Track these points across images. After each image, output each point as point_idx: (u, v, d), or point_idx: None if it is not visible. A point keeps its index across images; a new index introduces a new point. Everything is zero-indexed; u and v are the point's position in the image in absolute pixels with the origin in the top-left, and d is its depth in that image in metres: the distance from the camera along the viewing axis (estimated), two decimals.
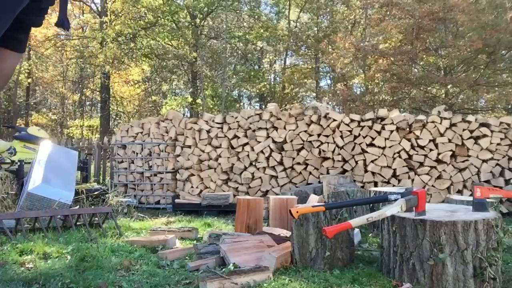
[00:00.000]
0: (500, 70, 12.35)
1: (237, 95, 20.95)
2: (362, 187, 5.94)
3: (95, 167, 8.45)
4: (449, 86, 11.79)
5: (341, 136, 6.19)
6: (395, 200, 2.77)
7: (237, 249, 3.04)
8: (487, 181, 5.85)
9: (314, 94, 19.62)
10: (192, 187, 6.83)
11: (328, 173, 6.16)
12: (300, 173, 6.37)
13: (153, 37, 15.33)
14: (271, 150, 6.48)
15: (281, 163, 6.46)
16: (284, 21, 19.19)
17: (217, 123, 6.76)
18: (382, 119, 6.14)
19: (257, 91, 18.52)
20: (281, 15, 19.93)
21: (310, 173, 6.32)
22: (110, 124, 18.33)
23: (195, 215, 5.85)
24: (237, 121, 6.66)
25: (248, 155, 6.56)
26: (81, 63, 17.14)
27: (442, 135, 5.95)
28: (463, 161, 5.92)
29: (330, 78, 20.09)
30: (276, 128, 6.51)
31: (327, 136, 6.26)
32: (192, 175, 6.84)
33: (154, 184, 7.00)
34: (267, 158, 6.51)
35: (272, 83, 19.96)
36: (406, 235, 2.60)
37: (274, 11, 20.27)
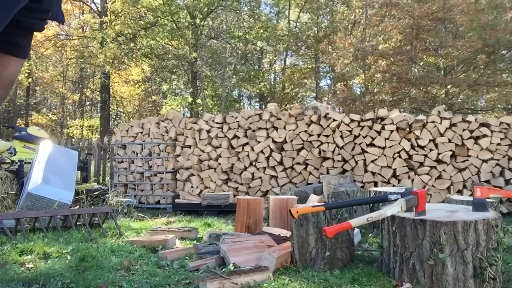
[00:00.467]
0: (500, 70, 12.35)
1: (237, 95, 20.95)
2: (362, 187, 5.94)
3: (95, 167, 8.45)
4: (449, 86, 11.79)
5: (341, 136, 6.19)
6: (395, 200, 2.77)
7: (237, 249, 3.04)
8: (487, 181, 5.85)
9: (314, 94, 19.62)
10: (192, 187, 6.83)
11: (328, 173, 6.16)
12: (300, 173, 6.37)
13: (153, 37, 15.33)
14: (271, 150, 6.48)
15: (281, 163, 6.46)
16: (284, 21, 19.19)
17: (217, 123, 6.76)
18: (382, 119, 6.14)
19: (257, 91, 18.51)
20: (281, 15, 19.94)
21: (310, 173, 6.33)
22: (110, 124, 18.33)
23: (195, 215, 5.85)
24: (237, 121, 6.66)
25: (248, 155, 6.56)
26: (81, 63, 17.14)
27: (442, 135, 5.95)
28: (463, 161, 5.92)
29: (330, 78, 20.09)
30: (276, 128, 6.51)
31: (327, 136, 6.26)
32: (192, 175, 6.84)
33: (154, 184, 7.00)
34: (267, 158, 6.51)
35: (272, 83, 19.96)
36: (406, 235, 2.60)
37: (274, 11, 20.28)
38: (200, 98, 16.59)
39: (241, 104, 21.19)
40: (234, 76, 17.47)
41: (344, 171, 6.18)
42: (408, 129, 6.04)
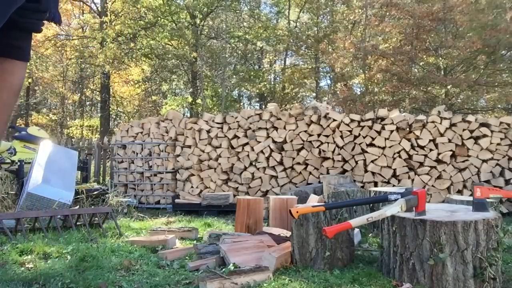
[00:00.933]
0: (500, 70, 12.36)
1: (237, 95, 20.95)
2: (362, 187, 5.94)
3: (95, 167, 8.45)
4: (449, 86, 11.79)
5: (341, 136, 6.19)
6: (395, 200, 2.77)
7: (237, 249, 3.04)
8: (487, 181, 5.85)
9: (314, 94, 19.61)
10: (192, 187, 6.83)
11: (328, 173, 6.16)
12: (300, 173, 6.37)
13: (153, 37, 15.33)
14: (271, 150, 6.48)
15: (281, 163, 6.46)
16: (284, 21, 19.19)
17: (217, 123, 6.76)
18: (382, 119, 6.14)
19: (257, 91, 18.51)
20: (281, 15, 19.93)
21: (310, 173, 6.32)
22: (110, 124, 18.32)
23: (195, 215, 5.85)
24: (237, 121, 6.66)
25: (248, 155, 6.56)
26: (81, 63, 17.14)
27: (442, 135, 5.95)
28: (463, 161, 5.92)
29: (330, 78, 20.08)
30: (276, 128, 6.51)
31: (327, 136, 6.26)
32: (192, 175, 6.84)
33: (154, 184, 7.00)
34: (267, 158, 6.51)
35: (272, 83, 19.95)
36: (406, 235, 2.60)
37: (274, 11, 20.27)
38: (200, 98, 16.58)
39: (241, 104, 21.19)
40: (234, 76, 17.46)
41: (344, 171, 6.18)
42: (408, 129, 6.04)
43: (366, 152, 6.10)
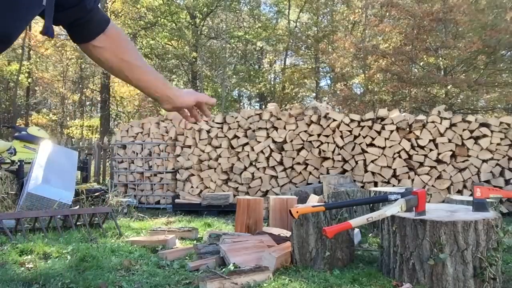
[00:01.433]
0: (500, 70, 12.36)
1: (237, 95, 20.96)
2: (362, 187, 5.94)
3: (95, 167, 8.45)
4: (449, 86, 11.80)
5: (341, 136, 6.19)
6: (395, 200, 2.76)
7: (237, 249, 3.04)
8: (487, 181, 5.85)
9: (314, 94, 19.62)
10: (192, 187, 6.83)
11: (328, 173, 6.16)
12: (300, 173, 6.37)
13: (153, 37, 15.33)
14: (271, 150, 6.47)
15: (281, 163, 6.46)
16: (284, 21, 19.20)
17: (217, 123, 6.76)
18: (382, 119, 6.14)
19: (257, 91, 18.52)
20: (281, 15, 19.93)
21: (310, 173, 6.32)
22: (110, 124, 18.32)
23: (195, 215, 5.85)
24: (237, 121, 6.66)
25: (248, 155, 6.56)
26: (81, 63, 17.13)
27: (442, 135, 5.95)
28: (463, 161, 5.92)
29: (330, 78, 20.09)
30: (276, 128, 6.50)
31: (327, 136, 6.26)
32: (192, 175, 6.84)
33: (154, 184, 7.00)
34: (267, 158, 6.51)
35: (272, 83, 19.96)
36: (406, 235, 2.60)
37: (274, 11, 20.28)
38: None
39: (241, 104, 21.20)
40: (234, 76, 17.48)
41: (344, 171, 6.18)
42: (408, 129, 6.03)
43: (366, 152, 6.10)
